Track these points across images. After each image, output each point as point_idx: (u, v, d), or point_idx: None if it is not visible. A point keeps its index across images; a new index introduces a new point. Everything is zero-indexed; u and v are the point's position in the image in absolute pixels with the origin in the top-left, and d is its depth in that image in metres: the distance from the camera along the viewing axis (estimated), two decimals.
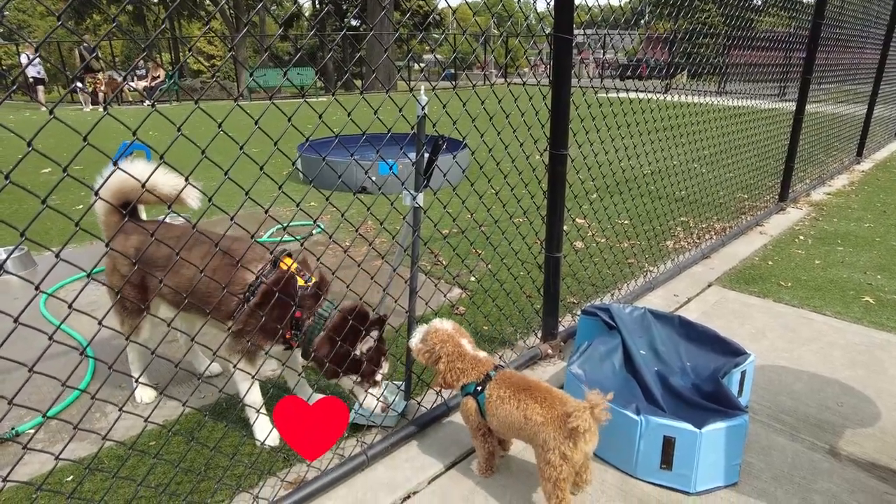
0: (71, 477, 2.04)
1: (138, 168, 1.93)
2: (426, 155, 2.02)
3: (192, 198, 2.10)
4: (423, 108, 1.90)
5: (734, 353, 2.36)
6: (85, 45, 14.36)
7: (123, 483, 1.97)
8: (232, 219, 1.53)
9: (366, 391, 2.12)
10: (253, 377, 1.98)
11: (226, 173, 1.46)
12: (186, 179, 1.49)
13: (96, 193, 1.35)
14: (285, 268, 1.99)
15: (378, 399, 2.14)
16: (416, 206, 2.04)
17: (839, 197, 6.15)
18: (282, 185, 1.65)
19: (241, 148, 1.40)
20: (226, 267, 1.95)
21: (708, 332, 2.50)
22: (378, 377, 2.13)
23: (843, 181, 6.94)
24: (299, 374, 2.30)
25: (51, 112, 1.15)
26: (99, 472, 1.98)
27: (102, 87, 15.18)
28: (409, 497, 1.93)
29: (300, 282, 2.00)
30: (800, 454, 2.13)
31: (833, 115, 7.64)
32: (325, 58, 26.29)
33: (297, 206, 1.66)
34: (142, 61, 16.68)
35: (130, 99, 17.13)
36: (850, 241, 4.63)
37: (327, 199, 1.81)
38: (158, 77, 16.66)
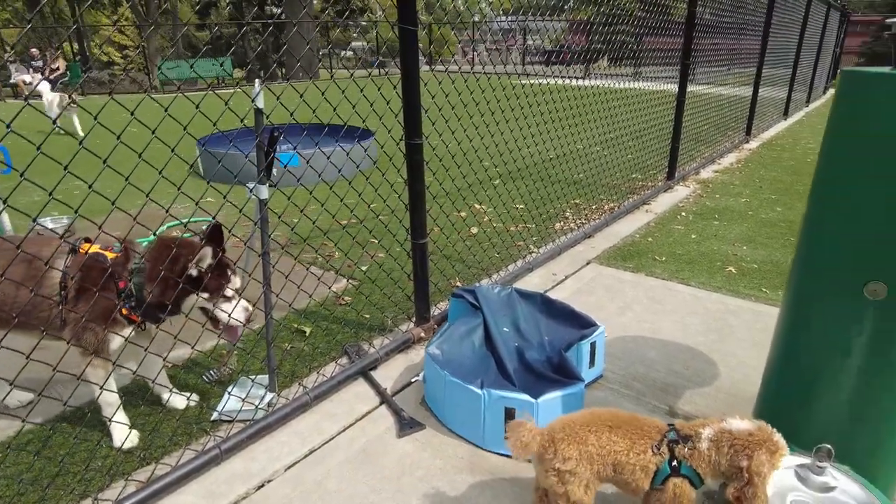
0: None
1: None
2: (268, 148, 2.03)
3: None
4: (254, 100, 1.91)
5: (586, 325, 2.52)
6: None
7: None
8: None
9: (216, 307, 2.05)
10: (90, 377, 1.94)
11: (89, 186, 1.43)
12: None
13: None
14: (86, 251, 1.94)
15: (239, 312, 2.08)
16: (260, 198, 2.05)
17: (725, 174, 6.57)
18: (156, 174, 1.63)
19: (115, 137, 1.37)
20: (30, 271, 1.87)
21: (565, 307, 2.65)
22: (228, 291, 2.06)
23: (731, 159, 7.40)
24: (152, 381, 2.26)
25: None
26: None
27: None
28: (262, 486, 1.97)
29: (109, 255, 1.94)
30: None
31: (724, 96, 8.12)
32: (244, 47, 25.44)
33: (197, 203, 1.65)
34: (37, 51, 15.58)
35: (26, 93, 15.97)
36: (727, 215, 4.97)
37: (223, 197, 1.80)
38: (58, 69, 15.65)
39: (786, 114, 11.26)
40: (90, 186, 1.49)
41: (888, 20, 1.51)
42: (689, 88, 5.71)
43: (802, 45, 10.84)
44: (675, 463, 1.45)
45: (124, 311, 1.94)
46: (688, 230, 4.58)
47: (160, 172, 1.79)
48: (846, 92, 1.49)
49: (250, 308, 2.13)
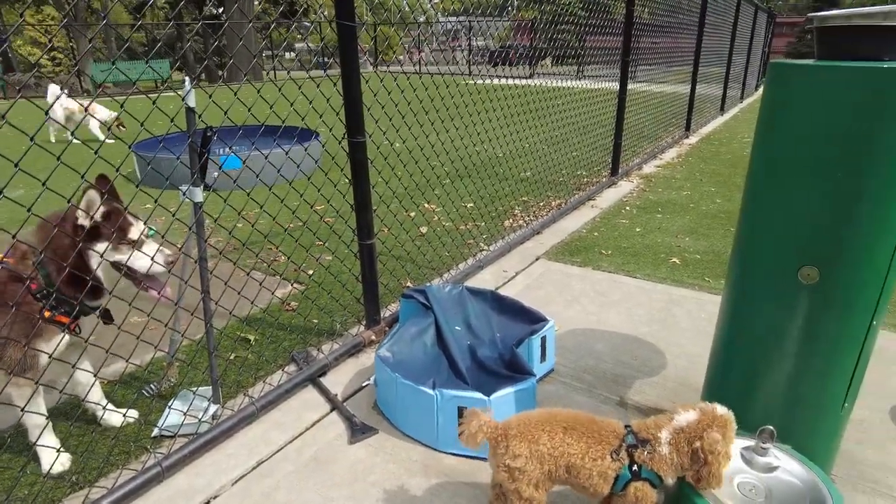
0: None
1: None
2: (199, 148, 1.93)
3: None
4: (184, 98, 1.82)
5: (536, 320, 2.53)
6: None
7: None
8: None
9: (129, 258, 1.89)
10: (15, 398, 1.80)
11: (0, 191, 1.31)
12: None
13: None
14: None
15: (157, 252, 1.94)
16: (194, 201, 1.96)
17: (667, 169, 6.77)
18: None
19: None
20: None
21: (515, 303, 2.65)
22: (133, 233, 1.89)
23: (672, 154, 7.64)
24: (83, 399, 2.12)
25: None
26: None
27: None
28: (208, 502, 1.87)
29: (10, 262, 1.80)
30: (593, 409, 2.32)
31: (664, 93, 8.38)
32: (183, 48, 24.62)
33: (125, 209, 1.53)
34: None
35: None
36: (669, 208, 5.12)
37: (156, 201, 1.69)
38: None
39: (722, 110, 11.73)
40: (1, 192, 1.38)
41: (810, 14, 1.57)
42: (630, 86, 5.86)
43: (734, 45, 11.33)
44: (635, 468, 1.46)
45: (47, 314, 1.80)
46: (632, 224, 4.68)
47: (83, 177, 1.69)
48: (774, 83, 1.54)
49: (168, 251, 1.97)
